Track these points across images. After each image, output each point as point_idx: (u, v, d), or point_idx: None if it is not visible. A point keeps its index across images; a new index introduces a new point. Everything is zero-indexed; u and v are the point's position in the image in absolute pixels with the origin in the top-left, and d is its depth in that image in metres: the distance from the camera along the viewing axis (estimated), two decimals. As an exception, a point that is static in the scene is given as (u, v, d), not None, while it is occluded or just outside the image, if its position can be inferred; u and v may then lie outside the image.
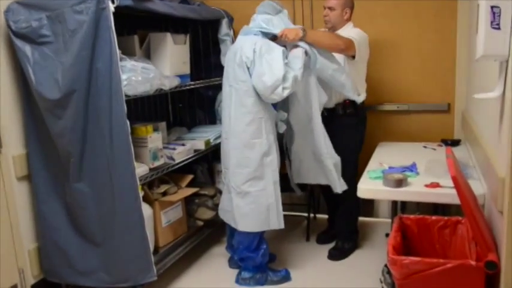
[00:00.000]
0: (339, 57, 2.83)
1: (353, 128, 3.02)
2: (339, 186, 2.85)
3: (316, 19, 3.52)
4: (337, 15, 2.92)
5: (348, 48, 2.75)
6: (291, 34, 2.59)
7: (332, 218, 3.40)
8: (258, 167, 2.62)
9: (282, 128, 2.81)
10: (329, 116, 3.00)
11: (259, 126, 2.60)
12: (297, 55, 2.60)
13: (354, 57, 2.81)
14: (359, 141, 3.10)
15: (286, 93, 2.49)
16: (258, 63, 2.51)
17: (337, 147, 3.00)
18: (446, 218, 2.14)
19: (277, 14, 2.68)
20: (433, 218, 2.16)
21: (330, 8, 2.92)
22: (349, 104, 2.95)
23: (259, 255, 2.76)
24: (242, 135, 2.62)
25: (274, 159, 2.65)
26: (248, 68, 2.55)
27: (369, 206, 3.66)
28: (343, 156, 3.00)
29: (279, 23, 2.65)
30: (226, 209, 2.82)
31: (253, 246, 2.75)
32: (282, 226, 2.70)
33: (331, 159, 2.82)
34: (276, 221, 2.68)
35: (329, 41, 2.73)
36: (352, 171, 3.04)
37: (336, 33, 2.88)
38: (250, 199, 2.64)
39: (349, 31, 2.90)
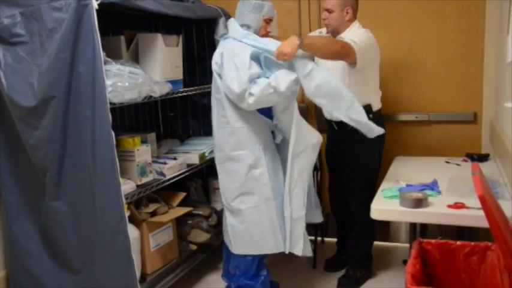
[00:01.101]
0: (342, 66, 2.81)
1: (366, 144, 2.94)
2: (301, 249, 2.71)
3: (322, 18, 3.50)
4: (336, 17, 2.86)
5: (345, 54, 2.65)
6: (286, 47, 2.43)
7: (342, 242, 3.37)
8: (246, 181, 2.62)
9: (278, 138, 2.77)
10: (339, 130, 2.98)
11: (241, 137, 2.61)
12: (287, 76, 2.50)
13: (355, 63, 2.74)
14: (375, 159, 3.05)
15: (252, 100, 2.44)
16: (226, 67, 2.50)
17: (350, 167, 2.98)
18: (473, 243, 2.10)
19: (259, 11, 2.65)
20: (458, 243, 2.12)
21: (328, 10, 2.87)
22: None
23: (258, 283, 2.73)
24: (225, 147, 2.66)
25: (264, 172, 2.63)
26: (219, 75, 2.58)
27: (384, 229, 3.63)
28: (357, 176, 2.97)
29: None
30: (225, 229, 2.81)
31: (251, 272, 2.72)
32: (281, 249, 2.67)
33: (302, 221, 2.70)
34: (273, 243, 2.65)
35: (325, 47, 2.64)
36: (368, 192, 2.98)
37: (335, 38, 2.81)
38: (242, 217, 2.66)
39: (352, 33, 2.84)
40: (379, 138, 3.01)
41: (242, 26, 2.65)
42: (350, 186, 3.06)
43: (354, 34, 2.81)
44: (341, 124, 2.94)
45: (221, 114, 2.64)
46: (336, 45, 2.68)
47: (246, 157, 2.61)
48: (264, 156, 2.64)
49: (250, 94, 2.44)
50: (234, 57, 2.49)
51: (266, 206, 2.63)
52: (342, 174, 3.08)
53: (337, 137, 2.98)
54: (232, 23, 2.70)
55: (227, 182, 2.68)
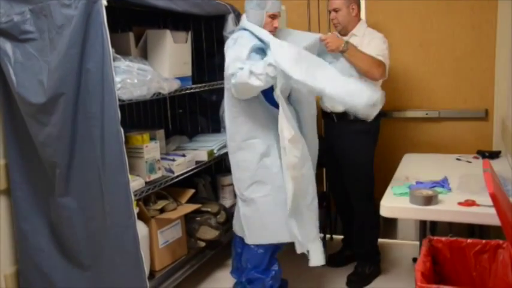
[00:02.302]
0: (342, 65, 2.82)
1: (366, 134, 3.02)
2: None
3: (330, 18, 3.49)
4: (344, 15, 2.95)
5: (381, 78, 2.82)
6: (333, 43, 2.69)
7: (347, 238, 3.41)
8: (258, 170, 2.64)
9: None
10: (339, 122, 3.02)
11: (252, 125, 2.63)
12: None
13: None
14: (372, 150, 3.09)
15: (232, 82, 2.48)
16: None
17: (349, 158, 3.02)
18: (484, 241, 2.09)
19: (262, 7, 2.64)
20: (469, 241, 2.11)
21: (335, 10, 2.96)
22: None
23: (269, 277, 2.73)
24: (236, 136, 2.68)
25: (275, 160, 2.64)
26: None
27: (393, 227, 3.62)
28: (358, 167, 3.02)
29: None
30: (238, 221, 2.82)
31: (263, 265, 2.72)
32: (294, 239, 2.66)
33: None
34: (286, 232, 2.64)
35: (367, 67, 2.76)
36: (369, 183, 3.06)
37: (373, 56, 2.81)
38: (255, 207, 2.67)
39: (364, 35, 2.92)
40: (376, 130, 3.07)
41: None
42: (349, 178, 3.09)
43: (375, 42, 2.88)
44: (341, 116, 2.98)
45: (232, 104, 2.66)
46: (377, 72, 2.78)
47: (258, 146, 2.64)
48: (276, 145, 2.64)
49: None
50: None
51: (278, 194, 2.62)
52: (342, 168, 3.09)
53: (337, 129, 3.00)
54: (242, 17, 2.73)
55: (239, 171, 2.71)
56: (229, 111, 2.69)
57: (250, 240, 2.71)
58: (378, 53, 2.82)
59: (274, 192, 2.64)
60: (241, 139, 2.66)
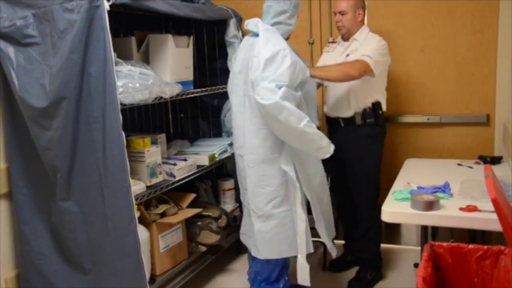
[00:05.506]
0: None
1: (374, 139, 3.02)
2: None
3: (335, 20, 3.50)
4: (350, 19, 2.96)
5: (363, 74, 2.76)
6: None
7: (348, 243, 3.40)
8: (281, 185, 2.55)
9: None
10: (346, 126, 3.02)
11: (277, 139, 2.50)
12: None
13: (374, 75, 2.84)
14: (380, 154, 3.09)
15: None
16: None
17: (357, 162, 3.00)
18: (485, 247, 2.07)
19: (297, 8, 2.58)
20: (470, 246, 2.10)
21: (342, 13, 2.96)
22: (369, 112, 2.95)
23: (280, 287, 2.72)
24: (260, 150, 2.54)
25: (298, 175, 2.57)
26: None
27: (395, 232, 3.61)
28: (365, 171, 3.02)
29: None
30: (247, 234, 2.77)
31: (273, 277, 2.69)
32: (311, 250, 2.65)
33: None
34: (304, 245, 2.59)
35: (340, 74, 2.74)
36: (375, 188, 3.06)
37: (346, 61, 2.84)
38: (274, 222, 2.57)
39: (365, 39, 2.94)
40: (383, 134, 3.08)
41: (275, 24, 2.53)
42: (355, 183, 3.08)
43: (369, 42, 2.91)
44: (348, 121, 2.98)
45: (256, 115, 2.49)
46: (353, 71, 2.73)
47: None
48: (298, 160, 2.57)
49: None
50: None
51: (299, 208, 2.55)
52: (347, 173, 3.09)
53: (344, 134, 3.00)
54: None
55: (259, 186, 2.57)
56: (252, 121, 2.53)
57: (265, 255, 2.62)
58: (363, 53, 2.80)
59: (294, 206, 2.56)
60: (264, 153, 2.53)
